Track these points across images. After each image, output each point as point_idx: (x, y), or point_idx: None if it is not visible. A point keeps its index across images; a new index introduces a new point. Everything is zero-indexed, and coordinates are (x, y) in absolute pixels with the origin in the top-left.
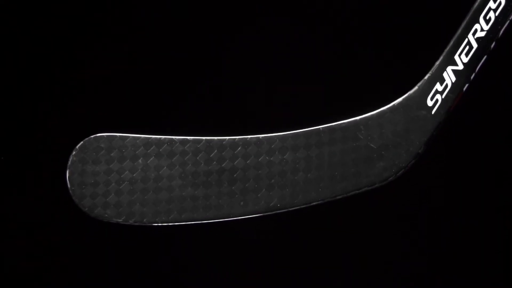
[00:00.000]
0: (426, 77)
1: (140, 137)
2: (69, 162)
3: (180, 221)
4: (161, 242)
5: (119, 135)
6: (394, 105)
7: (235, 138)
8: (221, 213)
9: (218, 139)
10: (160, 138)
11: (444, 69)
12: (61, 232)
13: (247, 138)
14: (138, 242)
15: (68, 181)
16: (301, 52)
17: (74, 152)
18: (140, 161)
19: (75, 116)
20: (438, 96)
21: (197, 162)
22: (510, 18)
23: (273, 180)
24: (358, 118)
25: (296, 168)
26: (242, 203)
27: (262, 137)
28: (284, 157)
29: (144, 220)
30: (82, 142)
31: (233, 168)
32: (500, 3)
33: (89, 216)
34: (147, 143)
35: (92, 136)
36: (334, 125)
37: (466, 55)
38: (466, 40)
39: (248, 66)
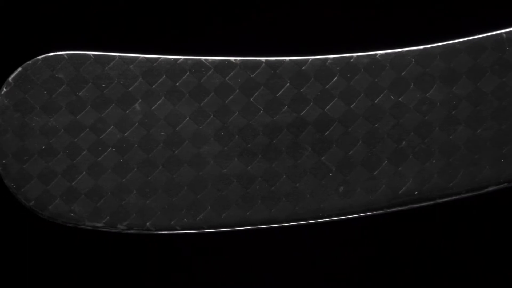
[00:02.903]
0: None
1: (137, 57)
2: None
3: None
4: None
5: (95, 54)
6: None
7: None
8: (309, 206)
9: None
10: (179, 59)
11: None
12: None
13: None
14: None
15: None
16: None
17: (4, 89)
18: (137, 105)
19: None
20: None
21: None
22: None
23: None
24: None
25: None
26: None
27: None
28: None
29: (148, 224)
30: (20, 68)
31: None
32: None
33: (36, 217)
34: (152, 69)
35: (40, 57)
36: None
37: None
38: None
39: None
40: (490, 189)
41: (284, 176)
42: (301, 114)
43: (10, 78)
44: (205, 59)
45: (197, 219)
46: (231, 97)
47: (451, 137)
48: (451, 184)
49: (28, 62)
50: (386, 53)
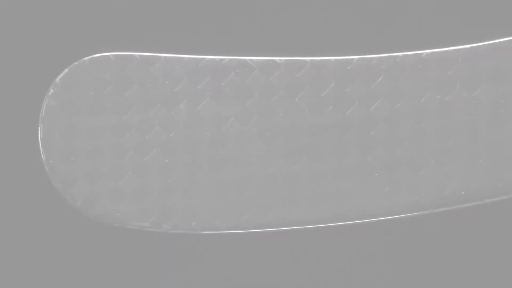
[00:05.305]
0: None
1: (183, 58)
2: (42, 111)
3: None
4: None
5: (140, 55)
6: None
7: None
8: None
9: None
10: (224, 59)
11: None
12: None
13: None
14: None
15: (41, 149)
16: None
17: (51, 90)
18: (182, 106)
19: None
20: None
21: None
22: None
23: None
24: None
25: None
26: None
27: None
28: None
29: (193, 224)
30: (67, 69)
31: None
32: None
33: (83, 217)
34: (197, 69)
35: (86, 58)
36: None
37: None
38: None
39: None
40: None
41: (329, 176)
42: (346, 114)
43: (57, 79)
44: (250, 60)
45: (242, 219)
46: (276, 97)
47: (498, 136)
48: (498, 184)
49: (74, 63)
50: (432, 52)
